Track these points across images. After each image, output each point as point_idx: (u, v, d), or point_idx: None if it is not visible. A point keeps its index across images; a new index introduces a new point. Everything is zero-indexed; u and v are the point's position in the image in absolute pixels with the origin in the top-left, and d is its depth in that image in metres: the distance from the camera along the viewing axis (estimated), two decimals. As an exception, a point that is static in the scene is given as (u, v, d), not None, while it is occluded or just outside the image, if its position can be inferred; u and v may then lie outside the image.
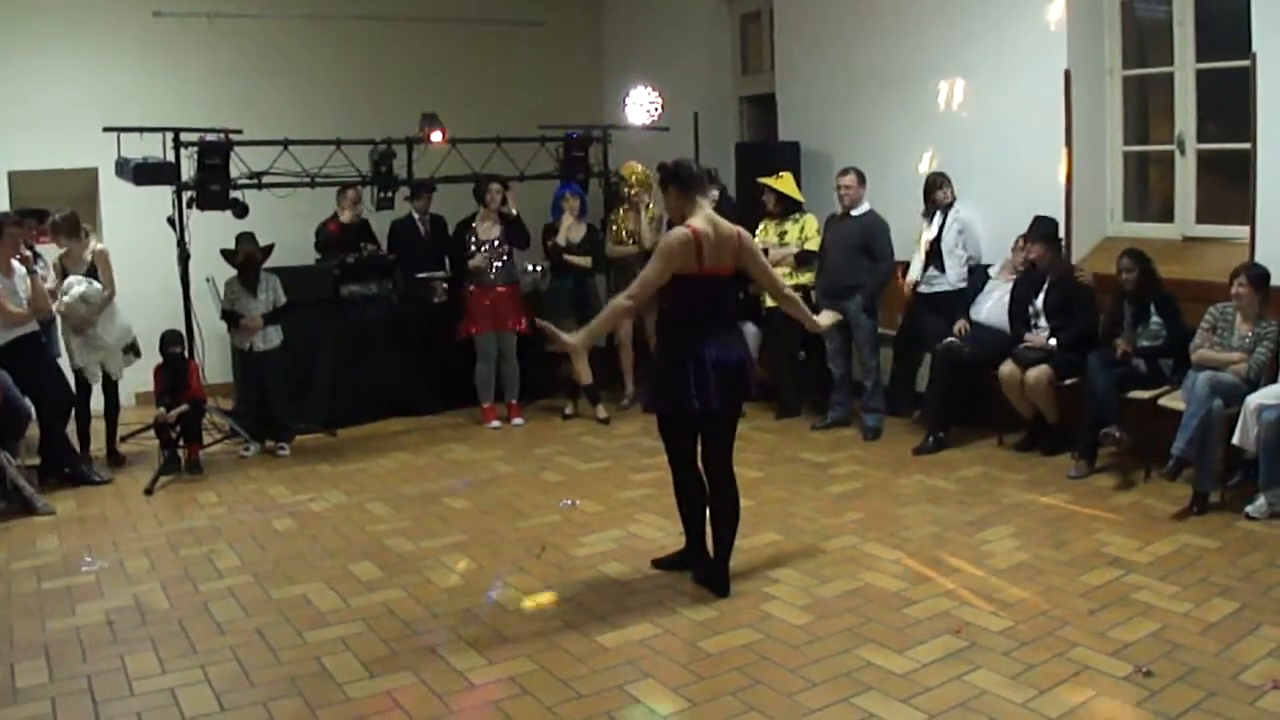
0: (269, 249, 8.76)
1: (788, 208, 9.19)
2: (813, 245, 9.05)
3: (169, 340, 8.23)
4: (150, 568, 6.26)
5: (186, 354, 8.36)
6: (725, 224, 5.56)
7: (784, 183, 9.19)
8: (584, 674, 4.76)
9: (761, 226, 9.26)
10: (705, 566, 5.78)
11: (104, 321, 8.21)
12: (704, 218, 5.47)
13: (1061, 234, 8.03)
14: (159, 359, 8.28)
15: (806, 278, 9.02)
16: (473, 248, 9.40)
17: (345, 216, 10.05)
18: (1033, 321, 7.98)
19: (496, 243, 9.40)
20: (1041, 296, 7.92)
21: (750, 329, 9.54)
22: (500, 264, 9.43)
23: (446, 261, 10.28)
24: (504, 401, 9.78)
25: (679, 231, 5.41)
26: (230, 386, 9.72)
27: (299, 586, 5.91)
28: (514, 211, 9.42)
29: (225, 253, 8.63)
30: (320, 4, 11.05)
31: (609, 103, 11.76)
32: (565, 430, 9.39)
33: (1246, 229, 7.18)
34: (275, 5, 10.88)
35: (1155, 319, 7.33)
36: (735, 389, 5.56)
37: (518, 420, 9.66)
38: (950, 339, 8.22)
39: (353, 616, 5.47)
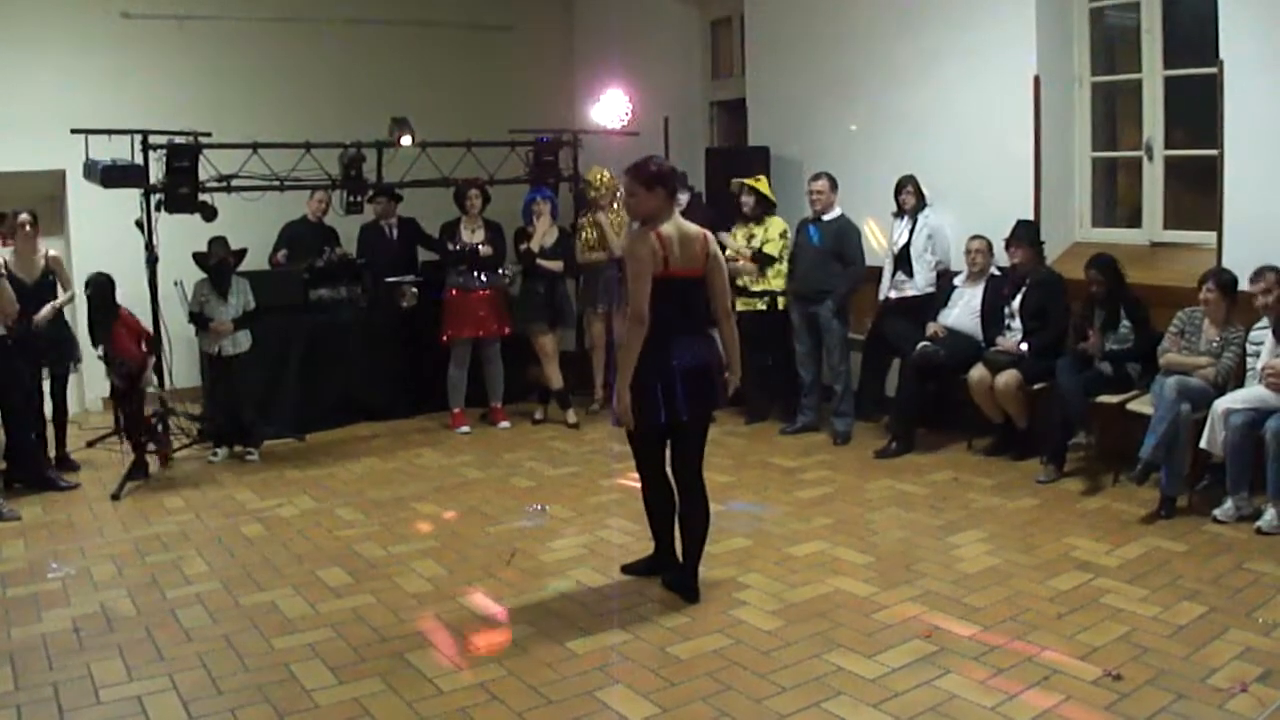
0: (241, 253, 8.72)
1: (765, 210, 9.18)
2: (771, 248, 9.03)
3: (88, 284, 8.18)
4: (117, 574, 6.21)
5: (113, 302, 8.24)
6: (691, 225, 5.54)
7: (762, 185, 9.19)
8: (554, 680, 4.75)
9: (731, 232, 9.25)
10: (675, 572, 5.77)
11: None
12: (672, 222, 5.45)
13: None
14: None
15: (776, 283, 9.03)
16: (451, 246, 9.42)
17: (311, 215, 10.17)
18: (1006, 323, 8.02)
19: (481, 245, 9.39)
20: (1019, 299, 7.95)
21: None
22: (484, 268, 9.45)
23: (417, 266, 10.30)
24: (487, 405, 9.78)
25: (642, 235, 5.39)
26: (198, 390, 9.65)
27: (267, 593, 5.87)
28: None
29: (197, 255, 8.58)
30: (290, 7, 11.01)
31: (579, 107, 11.75)
32: (535, 435, 9.37)
33: (1213, 235, 7.23)
34: (245, 8, 10.83)
35: (1125, 324, 7.38)
36: (704, 398, 5.53)
37: (504, 424, 9.66)
38: (925, 343, 8.24)
39: (321, 623, 5.44)
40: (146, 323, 8.35)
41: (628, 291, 5.44)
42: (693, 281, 5.49)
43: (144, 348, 8.29)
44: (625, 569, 6.03)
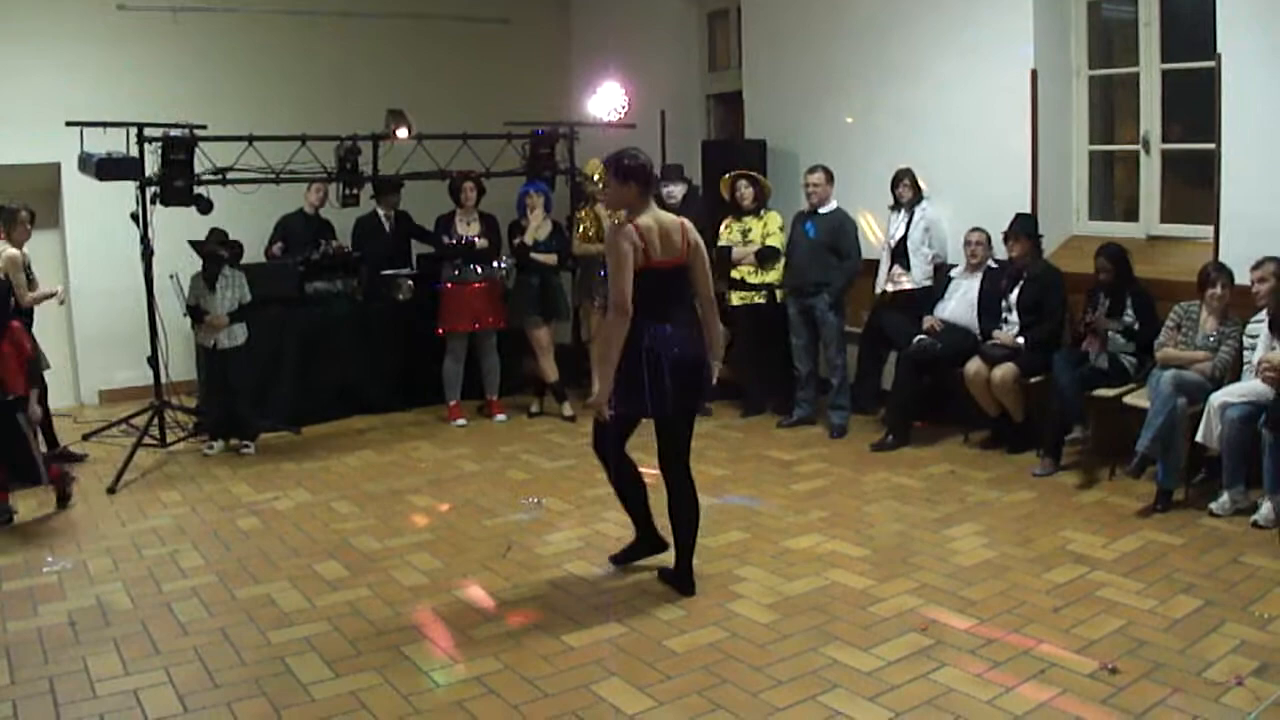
0: (235, 246, 8.70)
1: (762, 203, 9.19)
2: (775, 241, 9.05)
3: None
4: (113, 568, 6.20)
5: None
6: (669, 215, 5.54)
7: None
8: (550, 673, 4.75)
9: (725, 224, 9.26)
10: (662, 547, 5.85)
11: None
12: (649, 214, 5.44)
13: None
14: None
15: (773, 276, 9.03)
16: (446, 239, 9.41)
17: (308, 207, 10.13)
18: (1003, 316, 8.02)
19: (476, 238, 9.39)
20: (1016, 292, 7.95)
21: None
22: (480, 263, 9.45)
23: (412, 259, 10.29)
24: (483, 398, 9.78)
25: (621, 228, 5.37)
26: (194, 384, 9.64)
27: (263, 586, 5.87)
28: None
29: (194, 243, 8.57)
30: (286, 0, 11.01)
31: (576, 100, 11.73)
32: (531, 428, 9.36)
33: (1210, 229, 7.24)
34: (241, 0, 10.80)
35: (1128, 314, 7.37)
36: (693, 390, 5.51)
37: (500, 416, 9.66)
38: (921, 337, 8.24)
39: (317, 616, 5.44)
40: (142, 315, 8.34)
41: (607, 285, 5.45)
42: (676, 271, 5.48)
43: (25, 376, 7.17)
44: (614, 559, 6.04)
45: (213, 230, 8.57)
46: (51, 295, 8.40)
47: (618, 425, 5.62)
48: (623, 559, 6.01)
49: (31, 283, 8.19)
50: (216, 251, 8.54)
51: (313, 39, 11.19)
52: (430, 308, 9.53)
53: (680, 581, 5.64)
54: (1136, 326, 7.34)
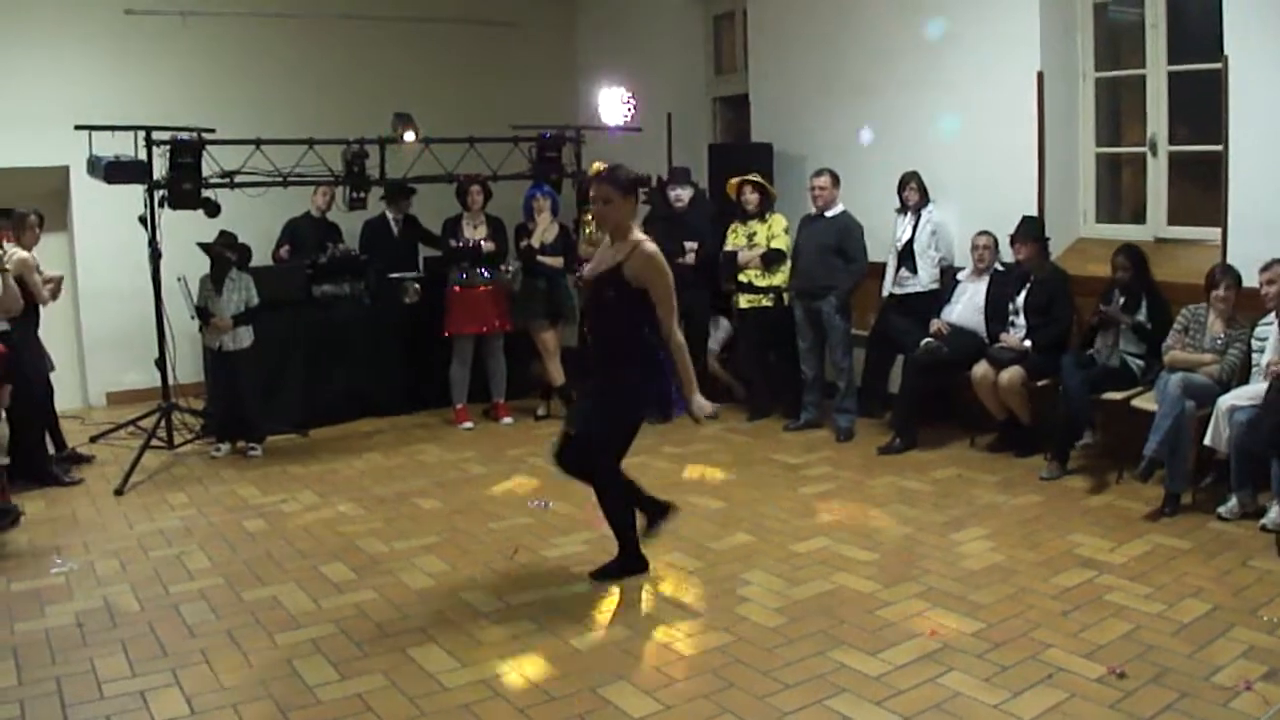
0: (243, 249, 8.71)
1: (766, 206, 9.18)
2: (779, 244, 9.04)
3: None
4: (120, 569, 6.21)
5: None
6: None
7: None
8: (557, 676, 4.74)
9: (731, 229, 9.26)
10: (639, 561, 5.92)
11: None
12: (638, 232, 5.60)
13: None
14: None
15: (779, 278, 9.02)
16: (453, 243, 9.42)
17: (315, 210, 10.18)
18: (1010, 320, 8.01)
19: (483, 241, 9.39)
20: (1023, 295, 7.94)
21: (724, 324, 9.57)
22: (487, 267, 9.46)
23: (420, 262, 10.30)
24: (490, 401, 9.79)
25: (654, 247, 5.48)
26: (202, 386, 9.65)
27: (270, 588, 5.87)
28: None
29: (203, 244, 8.58)
30: (293, 3, 11.00)
31: (582, 103, 11.74)
32: (538, 431, 9.35)
33: (1218, 231, 7.22)
34: (249, 4, 10.82)
35: (1141, 314, 7.34)
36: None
37: (506, 419, 9.66)
38: (928, 340, 8.24)
39: (324, 618, 5.44)
40: (150, 318, 8.35)
41: (620, 309, 5.54)
42: None
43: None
44: (595, 575, 5.95)
45: (221, 233, 8.59)
46: (54, 283, 8.36)
47: (630, 434, 5.74)
48: (603, 575, 5.93)
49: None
50: (224, 253, 8.55)
51: (320, 43, 11.20)
52: (437, 311, 9.53)
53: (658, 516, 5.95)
54: (1149, 326, 7.33)
